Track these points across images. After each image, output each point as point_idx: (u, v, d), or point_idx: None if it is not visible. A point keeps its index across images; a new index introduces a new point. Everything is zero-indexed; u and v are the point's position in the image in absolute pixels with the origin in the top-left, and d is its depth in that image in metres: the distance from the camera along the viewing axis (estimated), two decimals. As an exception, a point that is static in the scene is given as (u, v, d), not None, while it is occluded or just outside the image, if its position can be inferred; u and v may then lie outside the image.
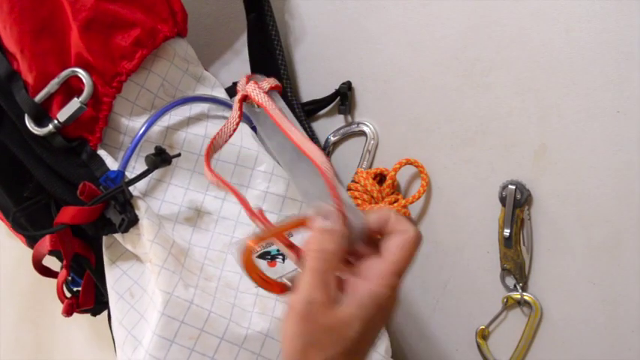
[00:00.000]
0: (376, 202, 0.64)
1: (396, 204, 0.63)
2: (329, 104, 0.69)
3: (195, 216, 0.57)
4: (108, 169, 0.52)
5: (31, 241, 0.66)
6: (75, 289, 0.64)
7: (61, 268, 0.64)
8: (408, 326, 0.67)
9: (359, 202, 0.64)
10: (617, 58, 0.53)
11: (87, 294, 0.63)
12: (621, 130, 0.54)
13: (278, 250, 0.56)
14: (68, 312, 0.62)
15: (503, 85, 0.59)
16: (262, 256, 0.56)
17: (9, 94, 0.52)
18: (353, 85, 0.67)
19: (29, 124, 0.52)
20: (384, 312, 0.40)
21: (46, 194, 0.59)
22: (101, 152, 0.54)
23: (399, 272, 0.40)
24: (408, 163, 0.64)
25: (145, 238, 0.51)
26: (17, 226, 0.60)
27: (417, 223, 0.66)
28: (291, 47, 0.70)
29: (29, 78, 0.52)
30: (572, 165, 0.57)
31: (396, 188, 0.65)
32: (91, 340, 0.88)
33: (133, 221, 0.51)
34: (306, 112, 0.69)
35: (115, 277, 0.54)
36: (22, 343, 0.94)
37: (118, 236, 0.54)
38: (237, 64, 0.69)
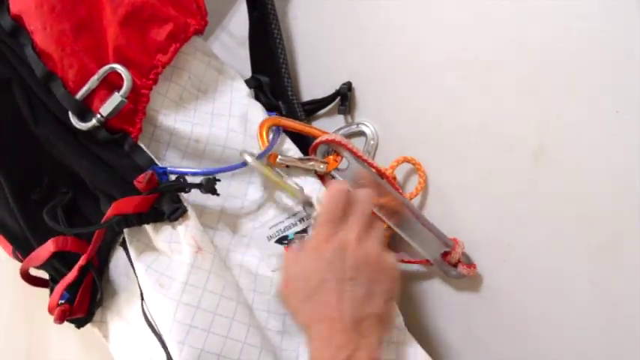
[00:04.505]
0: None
1: (395, 202, 0.63)
2: (329, 104, 0.69)
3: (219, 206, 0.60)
4: (150, 159, 0.55)
5: (24, 252, 0.65)
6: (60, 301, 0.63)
7: (60, 273, 0.63)
8: (407, 326, 0.67)
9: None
10: (617, 58, 0.53)
11: (83, 299, 0.62)
12: (621, 130, 0.54)
13: (294, 235, 0.62)
14: (61, 318, 0.62)
15: (503, 85, 0.59)
16: (280, 241, 0.61)
17: (50, 93, 0.55)
18: (353, 85, 0.68)
19: (73, 120, 0.54)
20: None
21: (59, 196, 0.60)
22: (140, 144, 0.56)
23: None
24: (406, 160, 0.64)
25: (192, 226, 0.55)
26: (55, 222, 0.59)
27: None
28: (292, 47, 0.71)
29: (69, 74, 0.54)
30: (572, 165, 0.56)
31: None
32: (88, 339, 0.87)
33: (184, 211, 0.54)
34: (306, 112, 0.69)
35: (141, 273, 0.56)
36: (16, 344, 0.93)
37: (150, 231, 0.56)
38: (238, 62, 0.69)
